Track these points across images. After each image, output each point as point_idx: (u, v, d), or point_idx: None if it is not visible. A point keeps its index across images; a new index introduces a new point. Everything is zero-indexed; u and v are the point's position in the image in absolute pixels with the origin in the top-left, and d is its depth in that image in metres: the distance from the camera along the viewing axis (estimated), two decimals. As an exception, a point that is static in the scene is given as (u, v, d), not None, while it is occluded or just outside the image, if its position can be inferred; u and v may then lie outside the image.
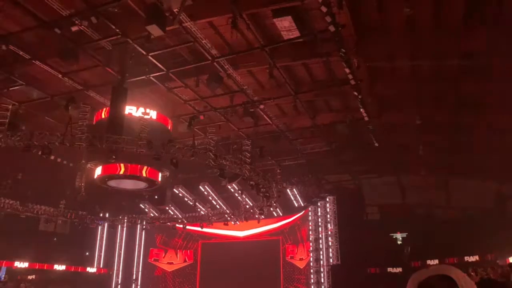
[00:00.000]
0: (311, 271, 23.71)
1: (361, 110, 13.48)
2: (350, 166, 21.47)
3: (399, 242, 22.00)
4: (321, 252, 23.28)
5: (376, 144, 16.54)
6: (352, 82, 11.44)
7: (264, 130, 17.42)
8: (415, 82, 13.49)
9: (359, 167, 21.64)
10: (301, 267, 25.27)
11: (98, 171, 16.61)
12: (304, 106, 15.28)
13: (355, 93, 12.22)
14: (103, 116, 15.03)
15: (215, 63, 12.16)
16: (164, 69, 12.78)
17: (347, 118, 15.37)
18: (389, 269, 21.15)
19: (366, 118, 14.16)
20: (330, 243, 22.83)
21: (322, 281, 22.64)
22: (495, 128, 15.27)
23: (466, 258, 19.18)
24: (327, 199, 23.52)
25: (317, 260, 23.49)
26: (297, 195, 23.95)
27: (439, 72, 12.76)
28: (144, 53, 11.85)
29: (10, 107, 12.50)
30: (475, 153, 17.45)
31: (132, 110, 14.76)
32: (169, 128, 16.21)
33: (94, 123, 15.13)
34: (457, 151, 17.54)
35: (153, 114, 15.46)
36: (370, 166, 21.46)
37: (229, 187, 20.83)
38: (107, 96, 13.96)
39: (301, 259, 25.48)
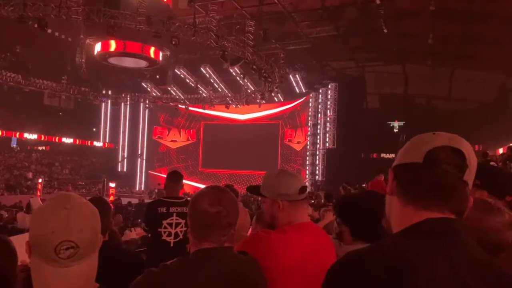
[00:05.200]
0: (307, 153, 24.87)
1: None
2: (356, 52, 20.89)
3: (395, 130, 22.54)
4: (318, 137, 24.09)
5: (385, 30, 15.86)
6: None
7: (269, 10, 16.49)
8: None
9: (365, 54, 21.06)
10: (298, 150, 26.48)
11: (98, 47, 16.26)
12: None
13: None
14: (98, -13, 14.11)
15: None
16: None
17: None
18: (383, 155, 22.08)
19: (378, 1, 13.32)
20: (327, 129, 23.47)
21: (317, 162, 23.88)
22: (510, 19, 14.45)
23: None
24: (329, 86, 23.45)
25: (313, 144, 24.45)
26: (299, 81, 23.82)
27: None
28: None
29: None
30: (486, 44, 16.82)
31: (129, -18, 13.80)
32: (169, 3, 15.38)
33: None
34: (468, 41, 16.87)
35: (151, -13, 14.50)
36: (377, 54, 20.90)
37: (231, 70, 20.60)
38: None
39: (298, 143, 26.55)
